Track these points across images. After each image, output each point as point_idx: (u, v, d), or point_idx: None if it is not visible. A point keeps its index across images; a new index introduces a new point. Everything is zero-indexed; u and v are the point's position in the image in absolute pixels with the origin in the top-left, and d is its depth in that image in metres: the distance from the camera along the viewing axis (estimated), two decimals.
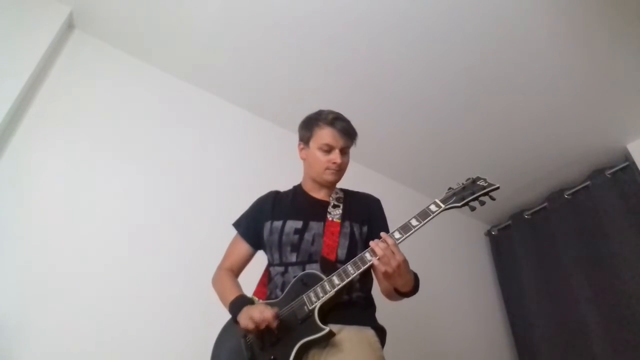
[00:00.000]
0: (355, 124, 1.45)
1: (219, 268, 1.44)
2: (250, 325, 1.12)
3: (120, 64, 2.28)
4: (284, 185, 1.56)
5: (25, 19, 1.97)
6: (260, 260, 1.45)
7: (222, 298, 1.32)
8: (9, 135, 1.83)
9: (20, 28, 1.95)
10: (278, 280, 1.29)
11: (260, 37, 2.22)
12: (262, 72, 2.41)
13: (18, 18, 1.96)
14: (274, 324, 1.11)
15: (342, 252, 1.27)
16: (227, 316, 1.28)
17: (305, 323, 1.12)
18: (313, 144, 1.39)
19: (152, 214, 2.03)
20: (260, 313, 1.11)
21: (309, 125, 1.42)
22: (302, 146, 1.45)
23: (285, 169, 1.93)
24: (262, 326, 1.11)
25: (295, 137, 1.50)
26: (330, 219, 1.33)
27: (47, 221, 1.78)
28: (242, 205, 1.54)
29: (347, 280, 1.14)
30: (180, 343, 1.78)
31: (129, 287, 1.81)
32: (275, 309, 1.14)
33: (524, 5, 2.03)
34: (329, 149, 1.36)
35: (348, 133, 1.38)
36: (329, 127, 1.37)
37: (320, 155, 1.37)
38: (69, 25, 2.17)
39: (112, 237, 1.87)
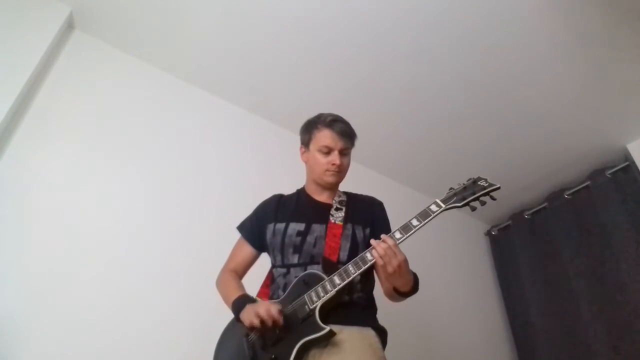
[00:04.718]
0: (355, 124, 1.45)
1: (223, 270, 1.45)
2: (256, 321, 1.12)
3: (120, 64, 2.28)
4: (284, 185, 1.56)
5: (25, 19, 1.97)
6: (265, 262, 1.45)
7: (225, 299, 1.33)
8: (9, 135, 1.83)
9: (20, 28, 1.94)
10: (280, 281, 1.30)
11: (261, 37, 2.22)
12: (262, 72, 2.41)
13: (18, 18, 1.96)
14: (281, 321, 1.12)
15: (344, 254, 1.28)
16: (229, 316, 1.28)
17: (306, 322, 1.13)
18: (313, 146, 1.41)
19: (152, 214, 2.03)
20: (266, 310, 1.12)
21: (308, 128, 1.44)
22: (303, 149, 1.47)
23: (285, 169, 1.93)
24: (269, 323, 1.11)
25: (295, 137, 1.51)
26: (332, 221, 1.34)
27: (47, 221, 1.77)
28: (242, 205, 1.54)
29: (348, 280, 1.15)
30: (181, 343, 1.78)
31: (129, 287, 1.81)
32: (280, 306, 1.15)
33: (523, 7, 2.04)
34: (328, 151, 1.37)
35: (346, 134, 1.39)
36: (328, 129, 1.38)
37: (320, 157, 1.38)
38: (69, 25, 2.17)
39: (112, 238, 1.87)
